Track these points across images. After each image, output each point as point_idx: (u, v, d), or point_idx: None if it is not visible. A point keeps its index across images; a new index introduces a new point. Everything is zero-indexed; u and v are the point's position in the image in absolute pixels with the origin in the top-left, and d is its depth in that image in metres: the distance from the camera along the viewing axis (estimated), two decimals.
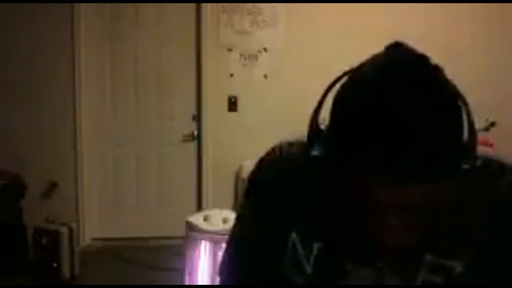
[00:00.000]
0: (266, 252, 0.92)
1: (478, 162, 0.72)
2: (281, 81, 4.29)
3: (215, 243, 2.84)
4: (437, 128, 0.64)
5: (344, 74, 0.76)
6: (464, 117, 0.70)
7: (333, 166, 0.72)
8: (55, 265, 3.58)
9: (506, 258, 0.80)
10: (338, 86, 0.76)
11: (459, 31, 4.31)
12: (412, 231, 0.73)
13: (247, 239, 0.96)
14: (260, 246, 0.93)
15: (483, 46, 4.35)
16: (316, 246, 0.86)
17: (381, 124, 0.64)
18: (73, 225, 3.76)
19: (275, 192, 0.90)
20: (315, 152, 0.75)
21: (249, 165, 4.28)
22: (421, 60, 0.69)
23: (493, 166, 0.81)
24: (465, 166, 0.68)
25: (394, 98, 0.65)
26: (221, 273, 1.02)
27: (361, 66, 0.73)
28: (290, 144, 0.92)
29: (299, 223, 0.88)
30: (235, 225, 0.99)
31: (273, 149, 0.94)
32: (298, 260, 0.88)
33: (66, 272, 3.62)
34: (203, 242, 2.86)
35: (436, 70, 0.69)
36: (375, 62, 0.71)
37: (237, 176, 4.31)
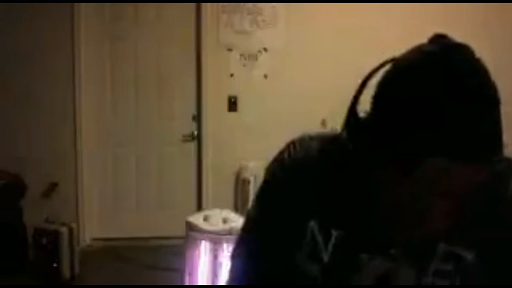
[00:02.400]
0: (283, 239, 0.93)
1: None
2: (281, 81, 4.29)
3: (215, 243, 2.83)
4: (479, 116, 0.69)
5: (386, 62, 0.80)
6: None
7: (375, 151, 0.75)
8: (55, 265, 3.58)
9: None
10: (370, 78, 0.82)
11: (459, 31, 4.29)
12: (449, 217, 0.75)
13: (265, 224, 0.96)
14: (277, 232, 0.93)
15: (482, 46, 4.35)
16: (335, 234, 0.88)
17: (426, 108, 0.69)
18: (73, 225, 3.76)
19: (295, 182, 0.90)
20: (352, 140, 0.79)
21: (249, 165, 4.29)
22: (465, 49, 0.74)
23: (506, 165, 0.84)
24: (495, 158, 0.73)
25: (439, 83, 0.70)
26: (233, 257, 1.02)
27: (405, 54, 0.77)
28: (311, 138, 0.94)
29: (319, 211, 0.89)
30: (253, 207, 0.99)
31: (292, 141, 0.95)
32: (315, 248, 0.89)
33: (66, 272, 3.62)
34: (203, 242, 2.86)
35: (479, 60, 0.74)
36: (420, 50, 0.75)
37: (237, 176, 4.31)
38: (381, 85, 0.76)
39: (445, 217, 0.76)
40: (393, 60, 0.78)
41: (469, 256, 0.84)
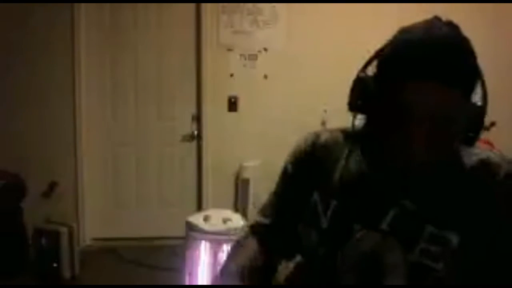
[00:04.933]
0: (292, 211, 1.09)
1: (482, 155, 0.92)
2: (281, 81, 4.29)
3: (215, 243, 2.84)
4: (459, 48, 0.86)
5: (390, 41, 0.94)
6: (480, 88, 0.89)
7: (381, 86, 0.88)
8: (55, 265, 3.58)
9: (499, 240, 0.88)
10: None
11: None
12: (431, 141, 0.84)
13: (279, 204, 1.15)
14: (288, 209, 1.11)
15: (482, 46, 4.35)
16: (333, 203, 1.00)
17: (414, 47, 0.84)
18: (73, 225, 3.76)
19: (307, 162, 1.08)
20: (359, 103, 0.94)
21: (249, 165, 4.30)
22: (455, 27, 0.90)
23: (494, 157, 0.93)
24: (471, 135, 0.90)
25: (428, 35, 0.86)
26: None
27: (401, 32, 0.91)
28: (323, 131, 1.12)
29: (322, 184, 1.03)
30: (279, 178, 1.17)
31: (307, 134, 1.12)
32: (315, 217, 1.02)
33: (66, 272, 3.62)
34: (203, 242, 2.86)
35: (468, 40, 0.90)
36: (414, 26, 0.90)
37: (237, 176, 4.31)
38: (381, 55, 0.92)
39: (423, 139, 0.83)
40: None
41: (454, 240, 0.88)
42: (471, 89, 0.88)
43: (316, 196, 1.03)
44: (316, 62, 4.26)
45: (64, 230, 3.63)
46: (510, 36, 4.41)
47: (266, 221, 1.16)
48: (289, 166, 1.12)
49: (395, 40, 0.90)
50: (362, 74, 0.94)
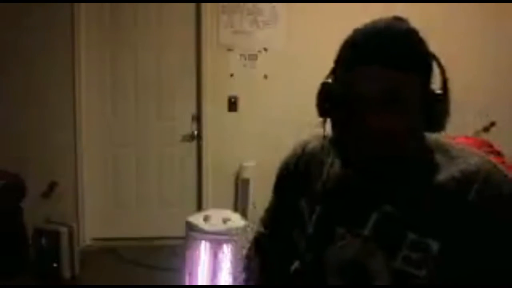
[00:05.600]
0: (285, 219, 1.13)
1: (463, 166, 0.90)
2: (281, 81, 4.29)
3: (215, 243, 2.83)
4: (405, 37, 0.88)
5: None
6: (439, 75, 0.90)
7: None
8: (55, 265, 3.58)
9: (480, 245, 0.86)
10: None
11: (459, 31, 4.30)
12: (388, 132, 0.85)
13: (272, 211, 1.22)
14: (282, 215, 1.15)
15: (482, 46, 4.35)
16: (317, 208, 1.01)
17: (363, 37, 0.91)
18: (73, 225, 3.76)
19: (295, 170, 1.11)
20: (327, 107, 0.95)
21: (249, 165, 4.29)
22: (404, 21, 0.92)
23: (471, 165, 0.90)
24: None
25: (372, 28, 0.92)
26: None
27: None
28: (312, 138, 1.14)
29: (309, 190, 1.06)
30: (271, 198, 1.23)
31: (298, 143, 1.15)
32: (303, 222, 1.04)
33: (66, 272, 3.62)
34: (203, 242, 2.86)
35: (413, 30, 0.91)
36: (365, 24, 0.94)
37: (237, 176, 4.31)
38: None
39: (376, 122, 0.85)
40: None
41: (434, 247, 0.88)
42: (424, 75, 0.89)
43: (303, 202, 1.06)
44: (316, 62, 4.24)
45: (64, 230, 3.63)
46: (510, 36, 4.40)
47: (265, 231, 1.21)
48: (280, 176, 1.16)
49: (345, 39, 0.96)
50: (326, 80, 0.97)
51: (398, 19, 0.93)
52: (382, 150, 0.87)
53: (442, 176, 0.90)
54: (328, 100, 0.93)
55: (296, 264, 1.11)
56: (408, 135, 0.88)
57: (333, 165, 1.03)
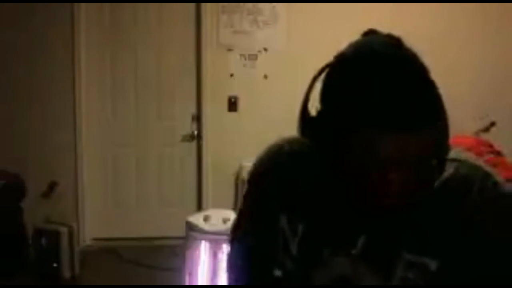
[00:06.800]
0: (264, 236, 1.00)
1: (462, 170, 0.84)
2: (281, 81, 4.29)
3: (215, 243, 2.83)
4: (413, 88, 0.75)
5: (327, 65, 0.92)
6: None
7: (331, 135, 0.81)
8: (55, 265, 3.58)
9: (477, 262, 0.84)
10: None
11: (459, 32, 4.31)
12: (408, 187, 0.77)
13: (248, 229, 1.06)
14: (258, 232, 1.02)
15: (482, 46, 4.35)
16: (300, 227, 0.93)
17: (367, 87, 0.77)
18: (73, 225, 3.76)
19: (270, 183, 0.99)
20: (306, 134, 0.87)
21: (249, 165, 4.28)
22: (393, 39, 0.82)
23: (463, 171, 0.86)
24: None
25: (373, 69, 0.78)
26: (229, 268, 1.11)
27: (341, 52, 0.87)
28: (284, 142, 1.03)
29: (287, 207, 0.96)
30: (241, 205, 1.08)
31: (267, 148, 1.03)
32: (285, 242, 0.95)
33: (66, 272, 3.62)
34: (203, 242, 2.86)
35: (405, 49, 0.80)
36: (351, 45, 0.88)
37: (237, 176, 4.30)
38: (325, 83, 0.90)
39: (405, 187, 0.77)
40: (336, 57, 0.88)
41: (432, 265, 0.84)
42: (440, 126, 0.79)
43: (283, 220, 0.96)
44: (316, 62, 4.21)
45: (64, 230, 3.63)
46: (511, 38, 4.40)
47: (250, 243, 1.07)
48: (252, 188, 1.04)
49: (343, 77, 0.85)
50: (310, 114, 0.90)
51: (392, 40, 0.83)
52: (404, 206, 0.81)
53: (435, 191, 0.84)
54: (316, 137, 0.85)
55: (277, 272, 1.02)
56: (429, 186, 0.82)
57: (313, 179, 0.92)
